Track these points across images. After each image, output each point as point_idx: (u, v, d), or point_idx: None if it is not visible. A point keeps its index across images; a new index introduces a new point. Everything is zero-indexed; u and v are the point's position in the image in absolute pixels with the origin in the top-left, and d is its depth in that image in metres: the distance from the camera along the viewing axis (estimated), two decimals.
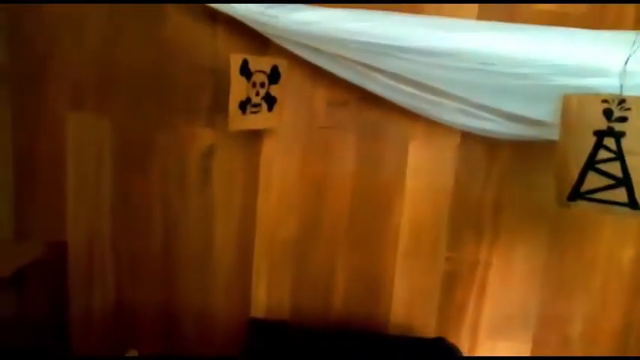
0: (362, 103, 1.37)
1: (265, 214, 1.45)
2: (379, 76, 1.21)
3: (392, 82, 1.21)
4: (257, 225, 1.45)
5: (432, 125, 1.34)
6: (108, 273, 1.47)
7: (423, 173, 1.42)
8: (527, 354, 1.49)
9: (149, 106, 1.38)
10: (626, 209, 0.89)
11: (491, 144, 1.37)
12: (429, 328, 1.47)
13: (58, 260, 1.46)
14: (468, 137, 1.36)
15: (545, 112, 1.01)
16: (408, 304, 1.47)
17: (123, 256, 1.46)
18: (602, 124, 0.89)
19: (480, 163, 1.41)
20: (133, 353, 1.46)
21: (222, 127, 1.37)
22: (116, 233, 1.45)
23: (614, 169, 0.89)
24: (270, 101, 1.29)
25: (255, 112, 1.25)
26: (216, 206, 1.44)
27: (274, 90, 1.28)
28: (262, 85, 1.25)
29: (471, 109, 1.20)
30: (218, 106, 1.36)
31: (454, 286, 1.47)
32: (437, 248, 1.45)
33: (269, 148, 1.41)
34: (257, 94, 1.24)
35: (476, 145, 1.39)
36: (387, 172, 1.42)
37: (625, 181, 0.88)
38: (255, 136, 1.39)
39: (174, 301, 1.49)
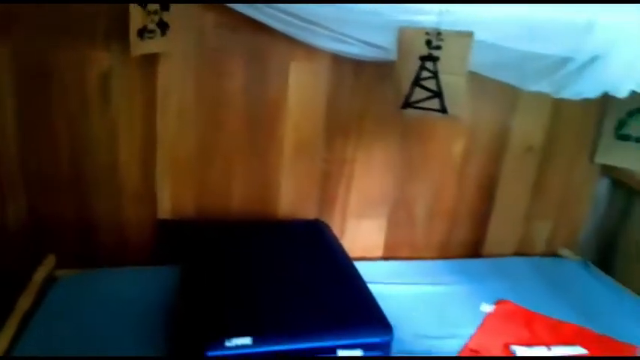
0: (249, 27, 1.54)
1: (165, 129, 1.63)
2: (262, 6, 1.41)
3: (273, 12, 1.42)
4: (158, 139, 1.64)
5: (309, 48, 1.58)
6: (19, 190, 1.59)
7: (303, 89, 1.69)
8: (384, 229, 1.94)
9: (47, 32, 1.45)
10: (440, 114, 1.25)
11: (356, 64, 1.66)
12: (310, 215, 1.83)
13: None
14: (338, 58, 1.64)
15: (390, 40, 1.31)
16: (293, 198, 1.81)
17: (32, 174, 1.58)
18: (425, 50, 1.21)
19: (346, 79, 1.71)
20: (51, 258, 1.62)
21: (118, 50, 1.49)
22: (23, 153, 1.55)
23: (432, 85, 1.23)
24: (163, 27, 1.43)
25: (151, 38, 1.39)
26: (118, 124, 1.59)
27: (166, 16, 1.43)
28: (155, 12, 1.39)
29: (338, 36, 1.46)
30: (114, 31, 1.47)
31: (329, 180, 1.82)
32: (315, 152, 1.77)
33: (164, 71, 1.57)
34: (151, 21, 1.38)
35: (344, 65, 1.67)
36: (273, 90, 1.67)
37: (439, 93, 1.23)
38: (151, 59, 1.53)
39: (87, 211, 1.66)
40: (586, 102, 1.48)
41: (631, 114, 1.87)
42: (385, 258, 1.97)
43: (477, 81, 1.55)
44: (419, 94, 1.25)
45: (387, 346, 1.18)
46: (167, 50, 1.51)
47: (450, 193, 1.96)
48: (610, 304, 1.78)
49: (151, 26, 1.39)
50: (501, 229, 2.05)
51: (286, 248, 1.52)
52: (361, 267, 1.74)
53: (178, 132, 1.64)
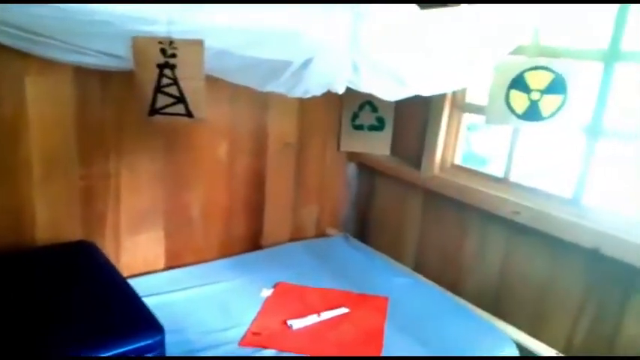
0: None
1: None
2: None
3: None
4: None
5: (45, 61, 1.47)
6: None
7: (44, 104, 1.58)
8: (162, 240, 1.93)
9: None
10: (187, 118, 1.32)
11: (103, 75, 1.62)
12: (76, 237, 1.71)
13: None
14: (81, 70, 1.58)
15: (127, 50, 1.32)
16: (51, 221, 1.67)
17: None
18: (161, 59, 1.26)
19: (94, 91, 1.65)
20: None
21: None
22: None
23: (174, 90, 1.30)
24: None
25: None
26: None
27: None
28: None
29: (73, 47, 1.40)
30: None
31: (92, 198, 1.74)
32: (70, 169, 1.67)
33: None
34: None
35: (89, 76, 1.62)
36: (7, 108, 1.52)
37: (182, 99, 1.30)
38: None
39: None
40: (327, 98, 1.74)
41: (361, 107, 2.26)
42: (169, 268, 1.97)
43: (229, 86, 1.68)
44: (163, 100, 1.30)
45: (159, 345, 1.19)
46: None
47: (223, 194, 2.06)
48: (365, 267, 2.12)
49: None
50: (275, 219, 2.25)
51: (43, 276, 1.40)
52: (143, 281, 1.72)
53: None
